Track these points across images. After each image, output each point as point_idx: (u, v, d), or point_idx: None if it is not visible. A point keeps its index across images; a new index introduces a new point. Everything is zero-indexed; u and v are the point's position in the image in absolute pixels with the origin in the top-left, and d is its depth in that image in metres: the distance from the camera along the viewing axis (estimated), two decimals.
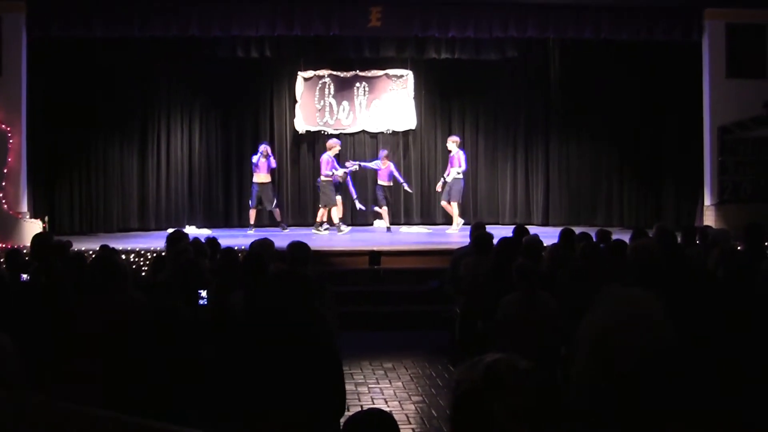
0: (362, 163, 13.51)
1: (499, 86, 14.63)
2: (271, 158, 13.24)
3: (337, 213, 13.18)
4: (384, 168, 13.33)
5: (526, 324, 4.75)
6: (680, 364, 2.10)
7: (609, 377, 2.08)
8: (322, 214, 13.13)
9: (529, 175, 14.81)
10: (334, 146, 13.19)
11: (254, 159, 13.22)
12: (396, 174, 13.39)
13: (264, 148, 13.22)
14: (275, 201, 13.47)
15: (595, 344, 2.15)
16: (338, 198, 13.14)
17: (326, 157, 13.03)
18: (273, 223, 13.57)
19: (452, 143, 13.34)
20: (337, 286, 9.10)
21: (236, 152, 14.46)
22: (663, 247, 5.34)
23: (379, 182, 13.42)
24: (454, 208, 13.21)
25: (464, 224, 12.87)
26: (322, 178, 13.01)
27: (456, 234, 12.62)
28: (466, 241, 8.08)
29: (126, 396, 2.36)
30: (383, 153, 13.47)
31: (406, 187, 13.66)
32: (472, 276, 6.37)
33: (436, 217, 14.48)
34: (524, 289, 4.95)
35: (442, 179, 13.42)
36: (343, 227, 13.14)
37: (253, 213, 13.37)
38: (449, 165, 13.33)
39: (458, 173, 13.04)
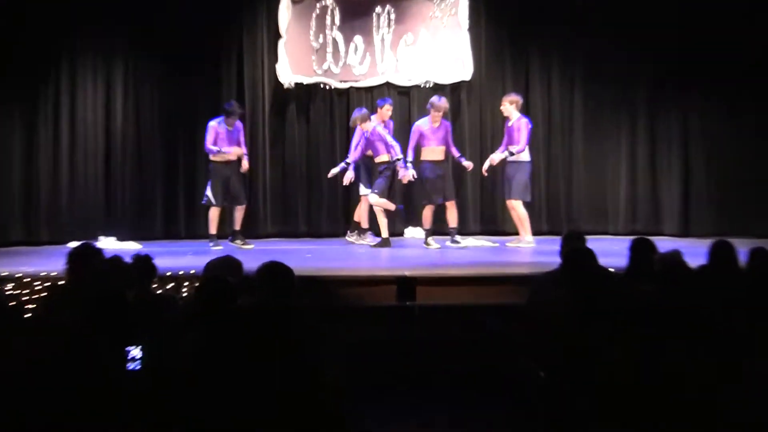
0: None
1: (604, 19, 14.55)
2: (241, 130, 13.33)
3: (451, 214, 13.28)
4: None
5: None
6: None
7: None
8: (451, 215, 13.23)
9: (657, 161, 14.87)
10: (443, 107, 13.14)
11: (218, 125, 13.16)
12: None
13: (236, 110, 13.23)
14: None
15: None
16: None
17: (427, 126, 13.04)
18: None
19: (509, 105, 13.33)
20: (348, 331, 9.16)
21: (184, 122, 14.58)
22: None
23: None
24: (519, 211, 13.21)
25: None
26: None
27: (529, 250, 12.68)
28: (553, 261, 8.10)
29: None
30: (358, 113, 13.21)
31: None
32: (562, 315, 6.38)
33: (504, 221, 14.47)
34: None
35: (489, 159, 13.42)
36: (458, 238, 13.22)
37: (215, 214, 13.37)
38: (505, 138, 13.39)
39: (512, 153, 13.07)
